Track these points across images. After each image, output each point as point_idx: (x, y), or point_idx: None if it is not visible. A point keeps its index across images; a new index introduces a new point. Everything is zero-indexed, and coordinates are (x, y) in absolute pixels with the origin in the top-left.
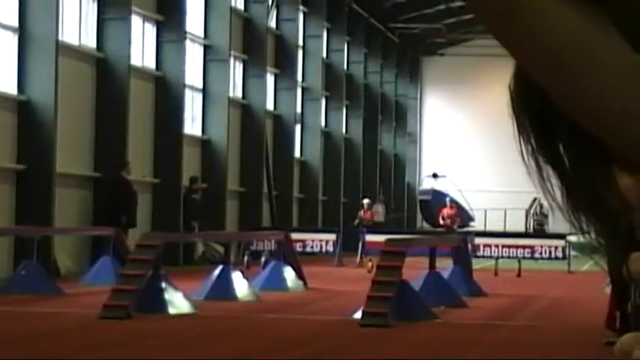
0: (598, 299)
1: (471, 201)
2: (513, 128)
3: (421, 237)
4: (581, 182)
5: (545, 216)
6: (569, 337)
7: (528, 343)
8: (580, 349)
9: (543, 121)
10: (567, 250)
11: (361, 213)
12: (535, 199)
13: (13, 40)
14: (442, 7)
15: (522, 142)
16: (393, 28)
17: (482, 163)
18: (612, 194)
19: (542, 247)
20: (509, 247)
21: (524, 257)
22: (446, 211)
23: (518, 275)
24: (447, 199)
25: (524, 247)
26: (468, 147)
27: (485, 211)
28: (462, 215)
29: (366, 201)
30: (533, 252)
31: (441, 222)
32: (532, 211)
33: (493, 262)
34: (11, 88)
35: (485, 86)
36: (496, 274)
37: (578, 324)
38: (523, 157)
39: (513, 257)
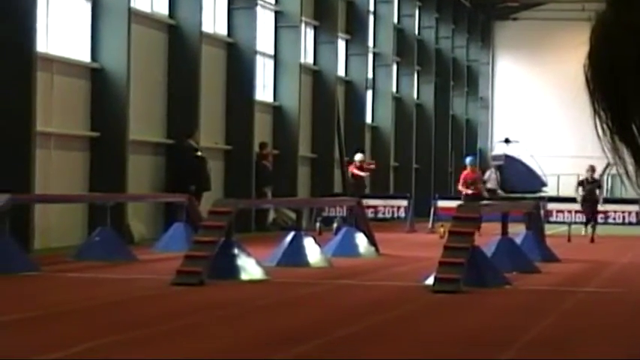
0: None
1: (543, 166)
2: (590, 107)
3: (493, 202)
4: None
5: (599, 186)
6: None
7: (598, 310)
8: None
9: (619, 103)
10: None
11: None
12: (608, 165)
13: (86, 8)
14: None
15: (598, 122)
16: None
17: (555, 128)
18: None
19: (615, 212)
20: (581, 212)
21: (598, 223)
22: (468, 175)
23: (592, 241)
24: (467, 160)
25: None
26: (540, 112)
27: (559, 177)
28: (532, 180)
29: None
30: (606, 217)
31: (463, 190)
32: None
33: (566, 227)
34: (85, 56)
35: (558, 51)
36: (569, 239)
37: None
38: (598, 135)
39: (585, 223)
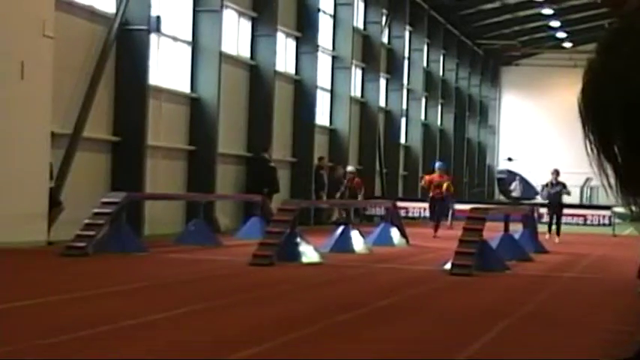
0: (635, 257)
1: (537, 179)
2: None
3: (498, 206)
4: (629, 173)
5: (564, 187)
6: (611, 285)
7: (579, 290)
8: (617, 296)
9: (604, 130)
10: (612, 219)
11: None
12: (587, 179)
13: (187, 50)
14: (517, 27)
15: (587, 143)
16: (478, 44)
17: (547, 149)
18: None
19: (592, 215)
20: (566, 215)
21: (577, 224)
22: (433, 178)
23: (557, 238)
24: (436, 165)
25: (578, 215)
26: (536, 137)
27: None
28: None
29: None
30: (585, 219)
31: (430, 191)
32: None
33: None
34: (185, 88)
35: (550, 89)
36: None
37: (618, 276)
38: (587, 153)
39: (570, 224)
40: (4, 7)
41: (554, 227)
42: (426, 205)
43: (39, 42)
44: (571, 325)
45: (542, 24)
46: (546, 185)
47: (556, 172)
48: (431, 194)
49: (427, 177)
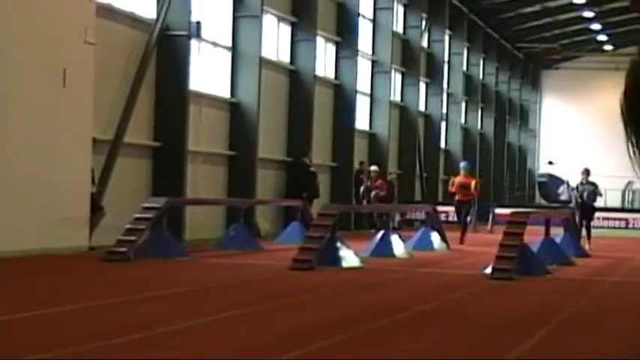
0: None
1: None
2: (624, 134)
3: (539, 210)
4: None
5: (596, 188)
6: None
7: (621, 294)
8: None
9: None
10: None
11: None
12: (629, 182)
13: (227, 56)
14: (558, 30)
15: (630, 146)
16: (518, 47)
17: (587, 152)
18: None
19: (634, 219)
20: (608, 219)
21: (619, 227)
22: (460, 179)
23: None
24: (461, 165)
25: (619, 219)
26: (576, 140)
27: None
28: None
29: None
30: (627, 223)
31: (456, 193)
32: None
33: (595, 231)
34: (226, 93)
35: (590, 92)
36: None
37: None
38: (630, 155)
39: (612, 227)
40: (46, 15)
41: (584, 230)
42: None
43: (81, 48)
44: (613, 330)
45: (582, 27)
46: (576, 187)
47: (586, 172)
48: (458, 197)
49: (455, 180)
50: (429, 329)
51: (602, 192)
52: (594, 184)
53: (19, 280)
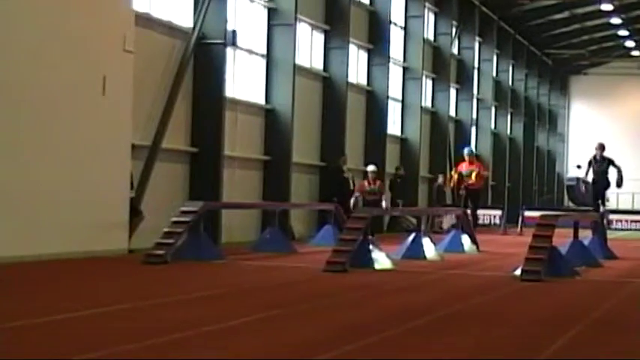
0: None
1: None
2: None
3: (567, 213)
4: None
5: (613, 165)
6: None
7: None
8: None
9: None
10: None
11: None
12: None
13: (262, 63)
14: (586, 37)
15: None
16: (547, 54)
17: (615, 156)
18: None
19: None
20: (636, 221)
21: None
22: (464, 166)
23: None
24: (465, 151)
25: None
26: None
27: (617, 194)
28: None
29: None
30: None
31: (460, 185)
32: None
33: (623, 233)
34: (260, 99)
35: (617, 97)
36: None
37: None
38: None
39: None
40: (87, 24)
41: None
42: (496, 212)
43: (120, 57)
44: None
45: (610, 33)
46: (589, 162)
47: (601, 147)
48: (463, 186)
49: (457, 167)
50: (463, 329)
51: (621, 168)
52: (610, 160)
53: (65, 281)
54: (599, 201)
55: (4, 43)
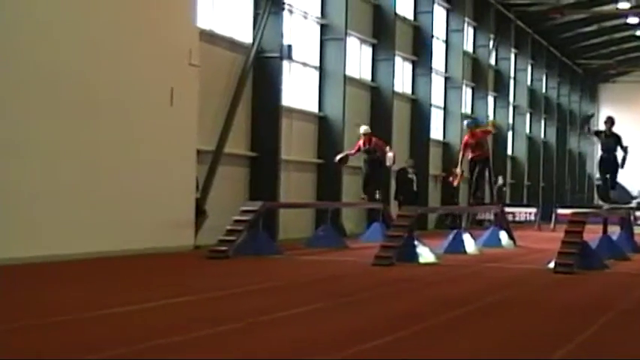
0: None
1: (634, 185)
2: None
3: (597, 210)
4: None
5: (620, 144)
6: None
7: None
8: None
9: None
10: None
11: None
12: None
13: (315, 74)
14: (614, 48)
15: None
16: (578, 64)
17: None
18: None
19: None
20: None
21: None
22: (468, 140)
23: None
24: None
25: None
26: (632, 148)
27: None
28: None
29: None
30: None
31: (467, 155)
32: None
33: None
34: (314, 108)
35: None
36: None
37: None
38: None
39: None
40: (155, 40)
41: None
42: (531, 210)
43: (186, 70)
44: None
45: (636, 44)
46: (597, 133)
47: (610, 121)
48: (470, 156)
49: (463, 142)
50: (501, 317)
51: (628, 147)
52: (618, 136)
53: (137, 275)
54: (609, 184)
55: (91, 60)
